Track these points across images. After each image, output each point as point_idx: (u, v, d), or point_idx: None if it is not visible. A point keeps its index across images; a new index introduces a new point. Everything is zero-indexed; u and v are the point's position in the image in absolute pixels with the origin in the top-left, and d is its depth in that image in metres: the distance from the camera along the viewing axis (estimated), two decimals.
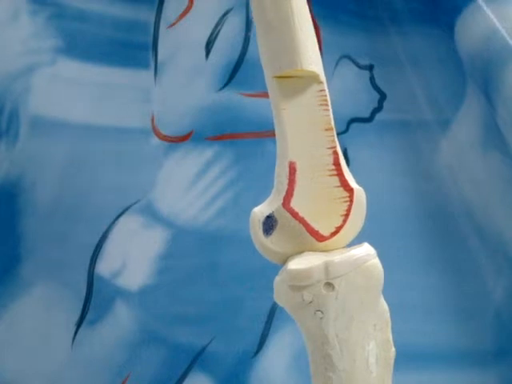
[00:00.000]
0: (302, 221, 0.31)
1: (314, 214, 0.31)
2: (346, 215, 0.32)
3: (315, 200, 0.31)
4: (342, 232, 0.32)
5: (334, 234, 0.31)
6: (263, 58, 0.33)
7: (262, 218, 0.31)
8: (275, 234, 0.31)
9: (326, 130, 0.32)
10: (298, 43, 0.31)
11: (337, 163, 0.32)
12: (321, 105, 0.32)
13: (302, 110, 0.32)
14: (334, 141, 0.32)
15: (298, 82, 0.32)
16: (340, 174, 0.32)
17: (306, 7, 0.32)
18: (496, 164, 0.55)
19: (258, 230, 0.32)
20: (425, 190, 0.58)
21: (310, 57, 0.32)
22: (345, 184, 0.32)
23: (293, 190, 0.31)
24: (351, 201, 0.32)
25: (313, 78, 0.32)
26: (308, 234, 0.31)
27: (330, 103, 0.32)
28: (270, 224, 0.31)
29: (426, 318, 0.55)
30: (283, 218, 0.31)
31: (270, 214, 0.31)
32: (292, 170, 0.31)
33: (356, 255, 0.30)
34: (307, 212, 0.31)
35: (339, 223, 0.32)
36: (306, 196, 0.31)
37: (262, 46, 0.33)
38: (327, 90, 0.32)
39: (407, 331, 0.53)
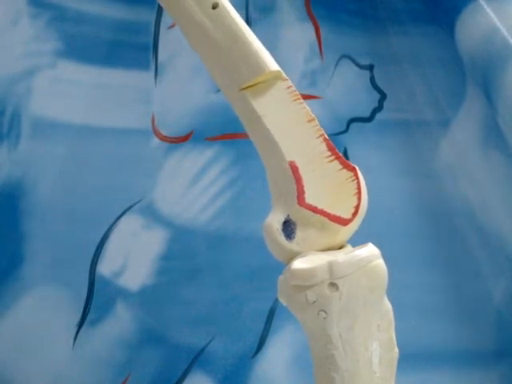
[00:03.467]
0: (323, 212, 0.31)
1: (331, 202, 0.31)
2: (359, 192, 0.32)
3: (326, 189, 0.31)
4: (360, 210, 0.32)
5: (354, 213, 0.31)
6: (219, 78, 0.33)
7: (280, 225, 0.31)
8: (298, 235, 0.31)
9: (309, 121, 0.32)
10: (255, 50, 0.32)
11: (331, 148, 0.32)
12: (295, 100, 0.32)
13: (280, 111, 0.32)
14: (320, 129, 0.32)
15: (264, 86, 0.32)
16: (338, 157, 0.32)
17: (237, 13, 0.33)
18: (496, 164, 0.55)
19: (278, 238, 0.31)
20: (425, 190, 0.58)
21: (269, 58, 0.32)
22: (346, 165, 0.32)
23: (303, 186, 0.31)
24: (357, 178, 0.32)
25: (277, 78, 0.32)
26: (332, 223, 0.31)
27: (300, 96, 0.32)
28: (289, 228, 0.31)
29: (427, 318, 0.55)
30: (301, 217, 0.31)
31: (286, 218, 0.31)
32: (294, 168, 0.31)
33: (360, 255, 0.30)
34: (324, 202, 0.31)
35: (355, 202, 0.31)
36: (316, 188, 0.31)
37: (214, 68, 0.33)
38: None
39: (407, 331, 0.53)
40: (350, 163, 0.32)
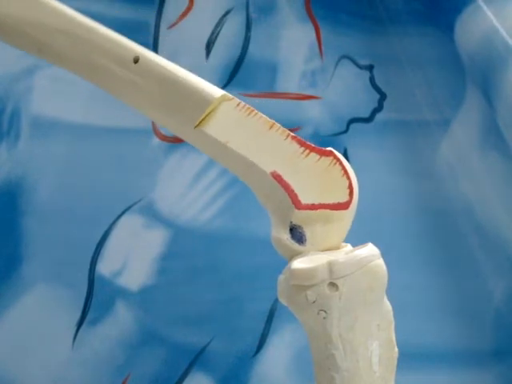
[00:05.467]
0: (322, 206, 0.31)
1: (325, 193, 0.31)
2: (345, 172, 0.32)
3: (315, 182, 0.31)
4: (354, 187, 0.32)
5: (350, 194, 0.32)
6: (169, 125, 0.33)
7: (288, 235, 0.31)
8: (308, 236, 0.31)
9: (271, 127, 0.32)
10: (194, 85, 0.32)
11: (302, 143, 0.32)
12: (249, 114, 0.32)
13: (240, 130, 0.32)
14: (284, 130, 0.32)
15: (215, 114, 0.32)
16: (312, 149, 0.32)
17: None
18: (496, 163, 0.55)
19: (292, 247, 0.31)
20: (425, 190, 0.58)
21: (209, 86, 0.32)
22: (322, 152, 0.32)
23: (293, 191, 0.31)
24: (338, 159, 0.32)
25: (222, 101, 0.32)
26: (335, 211, 0.31)
27: (252, 107, 0.32)
28: (298, 234, 0.31)
29: (426, 318, 0.55)
30: (304, 218, 0.31)
31: (291, 225, 0.31)
32: (278, 178, 0.31)
33: (360, 255, 0.30)
34: (319, 196, 0.31)
35: (347, 183, 0.32)
36: (306, 186, 0.31)
37: (160, 118, 0.33)
38: (240, 100, 0.32)
39: (407, 331, 0.53)
40: (324, 149, 0.32)
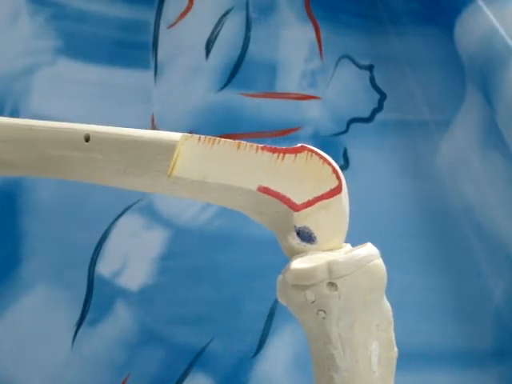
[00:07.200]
0: (317, 199, 0.31)
1: (315, 187, 0.31)
2: (325, 160, 0.32)
3: (302, 181, 0.32)
4: (338, 171, 0.32)
5: (338, 177, 0.32)
6: (141, 184, 0.33)
7: (298, 239, 0.31)
8: (317, 233, 0.31)
9: (239, 147, 0.32)
10: (151, 138, 0.31)
11: (273, 149, 0.32)
12: (213, 144, 0.32)
13: (211, 162, 0.32)
14: (252, 145, 0.32)
15: (182, 156, 0.31)
16: (285, 151, 0.32)
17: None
18: (495, 164, 0.55)
19: (304, 249, 0.32)
20: (424, 190, 0.58)
21: (165, 133, 0.32)
22: (295, 150, 0.32)
23: (285, 196, 0.31)
24: (312, 151, 0.32)
25: (184, 141, 0.32)
26: (331, 199, 0.31)
27: (210, 136, 0.32)
28: (306, 234, 0.31)
29: (426, 318, 0.55)
30: (306, 218, 0.31)
31: (296, 229, 0.31)
32: (266, 190, 0.31)
33: (359, 255, 0.30)
34: (311, 192, 0.31)
35: (330, 169, 0.32)
36: (295, 188, 0.31)
37: (131, 181, 0.33)
38: (193, 133, 0.32)
39: (406, 331, 0.53)
40: (296, 146, 0.32)
